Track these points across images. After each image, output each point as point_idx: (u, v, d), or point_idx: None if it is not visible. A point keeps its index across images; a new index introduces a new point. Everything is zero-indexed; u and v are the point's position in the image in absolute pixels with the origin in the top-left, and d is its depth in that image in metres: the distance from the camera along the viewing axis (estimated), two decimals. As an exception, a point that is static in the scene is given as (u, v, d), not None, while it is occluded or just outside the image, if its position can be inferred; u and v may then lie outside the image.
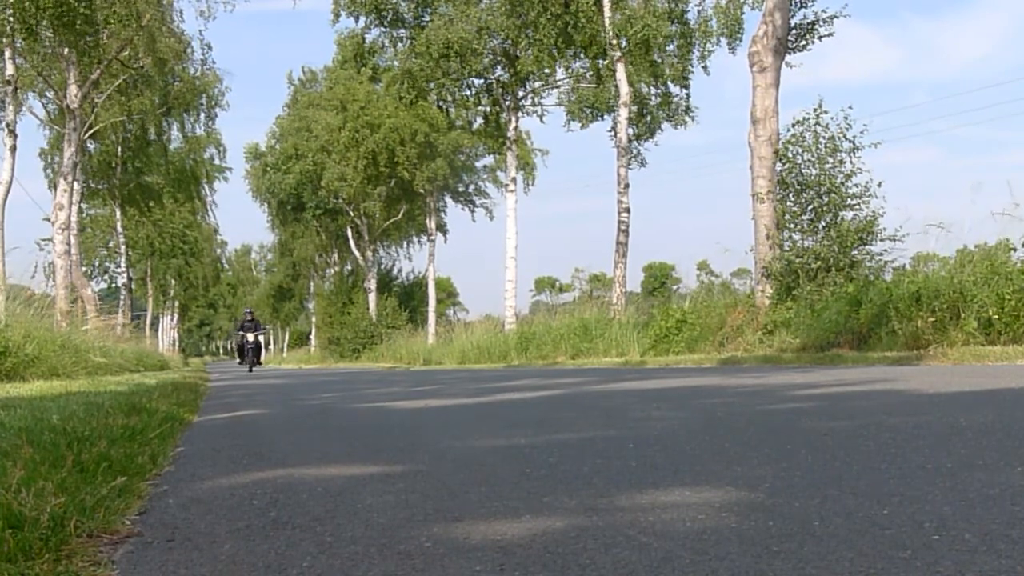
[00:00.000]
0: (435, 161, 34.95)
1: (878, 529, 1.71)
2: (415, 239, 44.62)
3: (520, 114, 26.09)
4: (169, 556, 1.76)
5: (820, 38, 15.39)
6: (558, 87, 26.56)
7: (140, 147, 31.32)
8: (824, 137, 13.63)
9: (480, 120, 27.60)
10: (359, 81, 34.31)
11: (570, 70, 25.52)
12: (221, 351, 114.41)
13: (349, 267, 45.78)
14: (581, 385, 7.94)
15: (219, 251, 60.33)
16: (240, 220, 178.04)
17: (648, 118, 24.66)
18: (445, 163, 35.40)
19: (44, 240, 21.05)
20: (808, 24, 15.31)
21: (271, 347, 61.03)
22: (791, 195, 13.92)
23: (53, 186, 26.99)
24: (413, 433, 4.19)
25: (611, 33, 21.26)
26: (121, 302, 32.56)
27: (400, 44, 26.43)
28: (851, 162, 13.55)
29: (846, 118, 13.58)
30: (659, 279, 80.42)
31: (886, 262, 13.40)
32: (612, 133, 22.44)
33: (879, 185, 13.45)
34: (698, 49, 22.76)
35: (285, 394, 8.86)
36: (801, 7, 15.21)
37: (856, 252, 13.29)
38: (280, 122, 42.18)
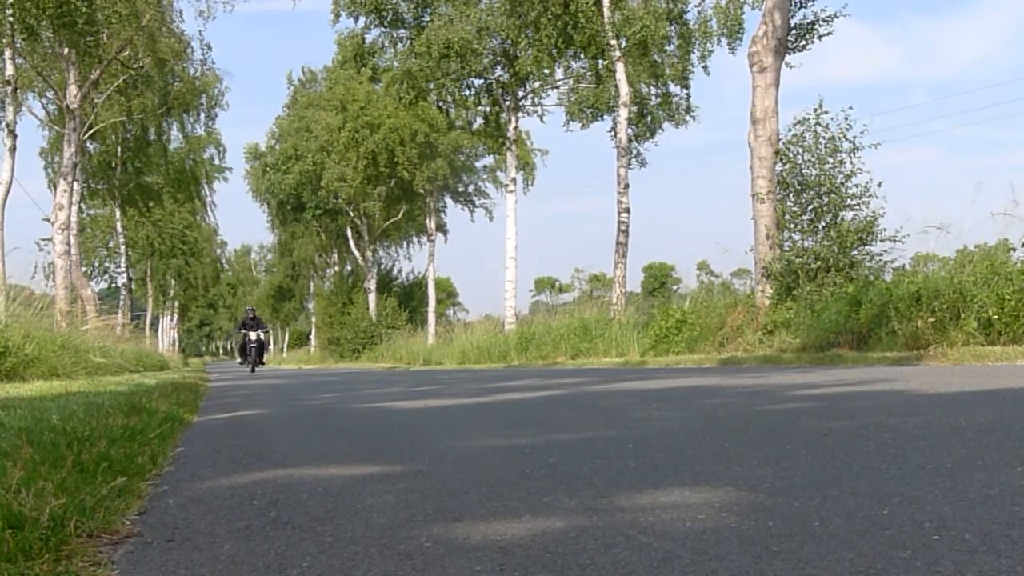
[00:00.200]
0: (435, 161, 34.95)
1: (878, 529, 1.71)
2: (415, 239, 44.65)
3: (520, 114, 26.09)
4: (169, 556, 1.76)
5: (820, 38, 15.40)
6: (558, 87, 26.57)
7: (140, 147, 31.32)
8: (824, 137, 13.64)
9: (480, 120, 27.61)
10: (359, 81, 34.31)
11: (570, 70, 25.52)
12: (221, 351, 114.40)
13: (349, 267, 45.78)
14: (581, 385, 7.94)
15: (219, 251, 60.40)
16: (240, 220, 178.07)
17: (648, 118, 24.66)
18: (445, 163, 35.40)
19: (44, 240, 21.07)
20: (808, 24, 15.31)
21: (271, 347, 60.89)
22: (791, 195, 13.92)
23: (53, 186, 26.99)
24: (413, 433, 4.19)
25: (611, 33, 21.27)
26: (121, 302, 32.57)
27: (400, 44, 26.43)
28: (851, 162, 13.57)
29: (846, 118, 13.60)
30: (659, 279, 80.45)
31: (886, 262, 13.41)
32: (612, 133, 22.46)
33: (879, 185, 13.47)
34: (698, 49, 22.77)
35: (285, 394, 8.86)
36: (801, 7, 15.22)
37: (856, 252, 13.29)
38: (280, 122, 42.19)
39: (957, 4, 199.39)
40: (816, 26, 15.32)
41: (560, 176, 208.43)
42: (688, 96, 24.31)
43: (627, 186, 21.11)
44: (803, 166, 13.78)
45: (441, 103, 27.17)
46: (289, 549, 1.78)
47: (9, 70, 17.25)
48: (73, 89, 20.67)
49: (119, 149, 31.20)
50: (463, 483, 2.49)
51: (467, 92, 25.87)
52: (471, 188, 39.85)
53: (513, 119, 25.51)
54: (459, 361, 22.69)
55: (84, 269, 31.72)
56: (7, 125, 17.35)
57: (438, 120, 31.67)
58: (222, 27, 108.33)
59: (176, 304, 59.32)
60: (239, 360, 27.42)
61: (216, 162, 38.31)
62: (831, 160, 13.59)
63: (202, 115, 30.69)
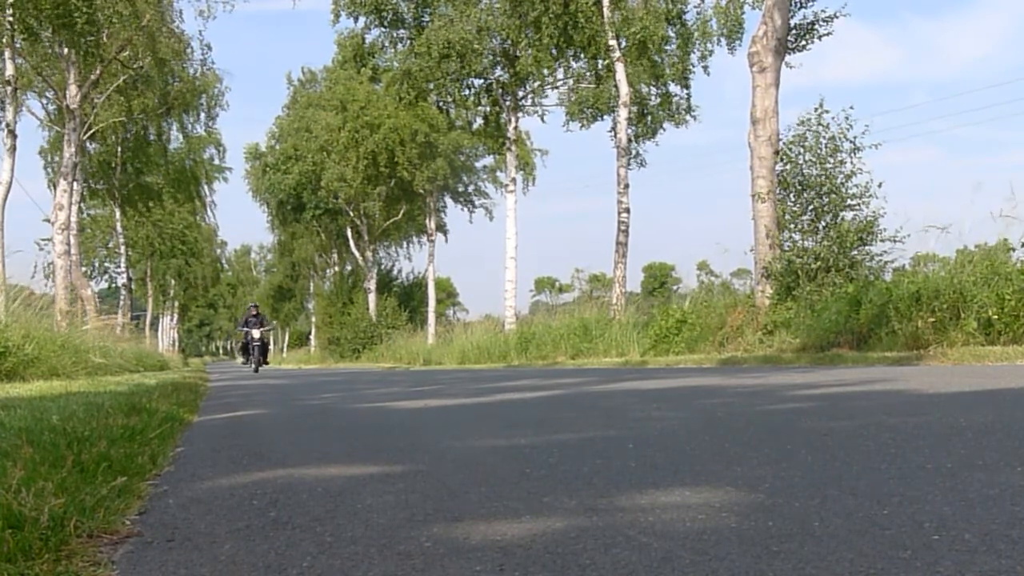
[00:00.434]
0: (435, 161, 34.95)
1: (878, 529, 1.71)
2: (415, 239, 44.65)
3: (520, 114, 26.09)
4: (169, 556, 1.76)
5: (820, 38, 15.41)
6: (558, 87, 26.57)
7: (140, 147, 31.31)
8: (825, 137, 13.63)
9: (480, 120, 27.60)
10: (359, 81, 34.30)
11: (570, 70, 25.52)
12: (221, 351, 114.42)
13: (349, 267, 45.78)
14: (581, 385, 7.94)
15: (219, 251, 60.41)
16: (240, 220, 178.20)
17: (648, 118, 24.65)
18: (445, 163, 35.40)
19: (44, 240, 21.06)
20: (808, 24, 15.32)
21: (270, 347, 60.81)
22: (791, 195, 13.92)
23: (53, 186, 26.98)
24: (413, 433, 4.19)
25: (610, 33, 21.27)
26: (121, 302, 32.58)
27: (400, 44, 26.41)
28: (851, 162, 13.56)
29: (847, 118, 13.60)
30: (659, 279, 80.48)
31: (886, 262, 13.41)
32: (612, 133, 22.46)
33: (879, 186, 13.47)
34: (698, 49, 22.77)
35: (285, 394, 8.86)
36: (801, 7, 15.23)
37: (856, 252, 13.29)
38: (280, 122, 42.18)
39: (957, 4, 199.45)
40: (816, 26, 15.33)
41: (560, 176, 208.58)
42: (688, 96, 24.34)
43: (627, 186, 21.11)
44: (803, 166, 13.78)
45: (441, 103, 27.16)
46: (289, 549, 1.78)
47: (9, 70, 17.25)
48: (73, 89, 20.67)
49: (119, 149, 31.18)
50: (463, 483, 2.49)
51: (467, 92, 25.86)
52: (471, 188, 39.89)
53: (513, 119, 25.50)
54: (459, 361, 22.69)
55: (84, 269, 31.72)
56: (7, 125, 17.35)
57: (438, 120, 31.66)
58: (222, 27, 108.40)
59: (176, 304, 59.33)
60: (241, 360, 26.13)
61: (216, 162, 38.32)
62: (831, 160, 13.59)
63: (202, 115, 30.70)
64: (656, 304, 19.28)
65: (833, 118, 13.66)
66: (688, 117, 24.50)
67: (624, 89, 21.41)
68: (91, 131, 25.50)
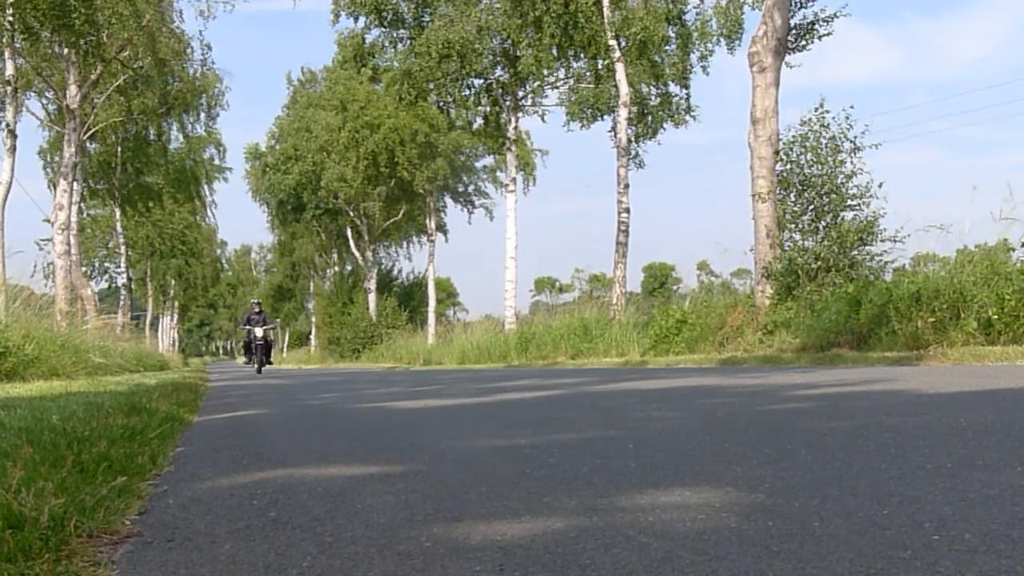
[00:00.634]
0: (435, 161, 34.95)
1: (878, 529, 1.71)
2: (415, 239, 44.66)
3: (520, 114, 26.09)
4: (169, 556, 1.76)
5: (820, 38, 15.41)
6: (558, 87, 26.57)
7: (140, 147, 31.32)
8: (825, 137, 13.63)
9: (480, 120, 27.60)
10: (359, 81, 34.30)
11: (570, 70, 25.51)
12: (221, 351, 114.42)
13: (349, 267, 45.79)
14: (581, 385, 7.94)
15: (219, 251, 60.42)
16: (240, 220, 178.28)
17: (649, 118, 24.65)
18: (445, 163, 35.40)
19: (44, 240, 21.07)
20: (808, 24, 15.32)
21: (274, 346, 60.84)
22: (792, 195, 13.92)
23: (53, 186, 26.98)
24: (413, 433, 4.19)
25: (610, 33, 21.27)
26: (121, 302, 32.59)
27: (400, 44, 26.41)
28: (852, 162, 13.56)
29: (847, 118, 13.60)
30: (659, 279, 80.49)
31: (886, 262, 13.41)
32: (612, 133, 22.46)
33: (880, 186, 13.46)
34: (698, 50, 22.78)
35: (285, 394, 8.86)
36: (801, 7, 15.23)
37: (856, 252, 13.29)
38: (280, 122, 42.18)
39: (957, 4, 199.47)
40: (816, 26, 15.33)
41: (560, 176, 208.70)
42: (688, 96, 24.34)
43: (627, 186, 21.11)
44: (804, 166, 13.78)
45: (441, 103, 27.15)
46: (289, 549, 1.78)
47: (9, 70, 17.25)
48: (73, 89, 20.67)
49: (119, 149, 31.19)
50: (463, 483, 2.49)
51: (467, 92, 25.86)
52: (471, 188, 39.89)
53: (513, 119, 25.50)
54: (459, 361, 22.69)
55: (84, 269, 31.72)
56: (7, 125, 17.36)
57: (438, 120, 31.67)
58: (222, 27, 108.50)
59: (176, 304, 59.33)
60: (243, 359, 24.94)
61: (216, 162, 38.32)
62: (832, 160, 13.59)
63: (202, 115, 30.71)
64: (656, 304, 19.28)
65: (833, 118, 13.68)
66: (688, 117, 24.52)
67: (624, 89, 21.41)
68: (91, 131, 25.50)
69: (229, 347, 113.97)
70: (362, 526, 1.95)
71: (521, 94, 25.96)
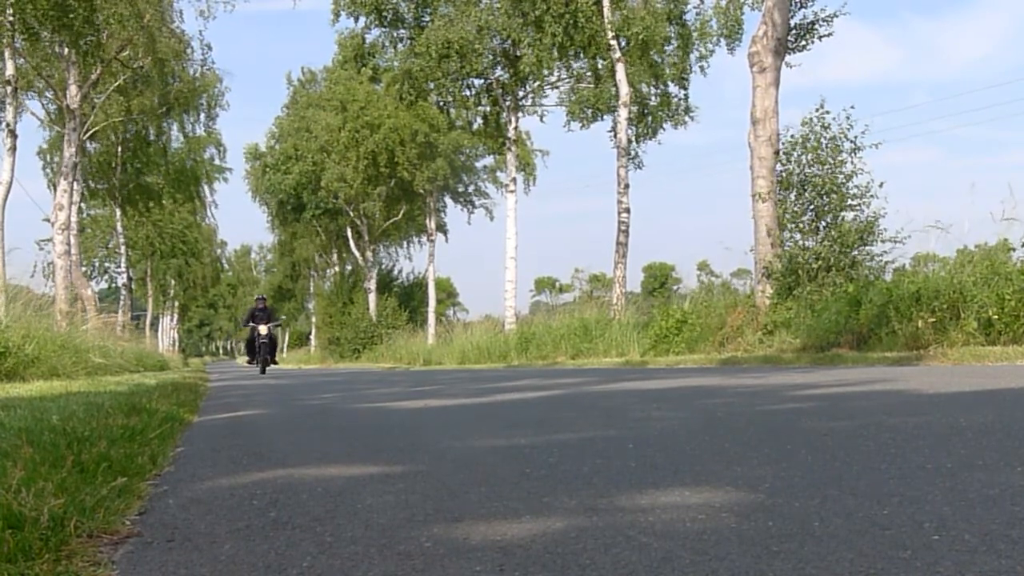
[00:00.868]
0: (435, 161, 34.95)
1: (878, 529, 1.71)
2: (415, 239, 44.65)
3: (520, 114, 26.08)
4: (169, 556, 1.76)
5: (820, 38, 15.41)
6: (558, 87, 26.57)
7: (140, 147, 31.32)
8: (826, 137, 13.63)
9: (480, 120, 27.60)
10: (359, 81, 34.31)
11: (570, 70, 25.51)
12: (221, 351, 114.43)
13: (349, 267, 45.79)
14: (581, 385, 7.94)
15: (219, 251, 60.41)
16: (240, 220, 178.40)
17: (649, 118, 24.65)
18: (445, 163, 35.40)
19: (44, 240, 21.09)
20: (808, 24, 15.32)
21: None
22: (792, 195, 13.92)
23: (53, 186, 27.00)
24: (413, 433, 4.19)
25: (611, 33, 21.27)
26: (121, 302, 32.58)
27: (400, 44, 26.42)
28: (852, 162, 13.57)
29: (848, 118, 13.60)
30: (659, 279, 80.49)
31: (886, 262, 13.41)
32: (612, 133, 22.46)
33: (880, 186, 13.46)
34: (697, 50, 22.78)
35: (285, 394, 8.86)
36: (801, 7, 15.22)
37: (856, 252, 13.29)
38: (280, 122, 42.18)
39: (957, 4, 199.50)
40: (816, 26, 15.33)
41: (560, 176, 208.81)
42: (686, 96, 24.34)
43: (627, 186, 21.12)
44: (804, 165, 13.78)
45: (441, 103, 27.15)
46: (289, 549, 1.78)
47: (9, 70, 17.25)
48: (73, 89, 20.67)
49: (119, 149, 31.20)
50: (463, 483, 2.49)
51: (467, 92, 25.86)
52: (471, 188, 39.89)
53: (513, 119, 25.50)
54: (459, 361, 22.69)
55: (84, 269, 31.73)
56: (7, 125, 17.36)
57: (438, 120, 31.66)
58: (222, 27, 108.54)
59: (176, 304, 59.35)
60: (246, 359, 23.18)
61: (216, 162, 38.33)
62: (832, 160, 13.59)
63: (202, 115, 30.73)
64: (656, 304, 19.26)
65: (834, 118, 13.68)
66: (686, 118, 24.51)
67: (624, 89, 21.42)
68: (91, 131, 25.50)
69: (229, 347, 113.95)
70: (362, 526, 1.95)
71: (521, 94, 25.96)
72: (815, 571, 1.45)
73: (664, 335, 15.59)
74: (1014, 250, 10.86)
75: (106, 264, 45.16)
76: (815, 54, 63.64)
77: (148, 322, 47.14)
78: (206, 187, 37.95)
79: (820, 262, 13.17)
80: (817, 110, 13.69)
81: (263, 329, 20.56)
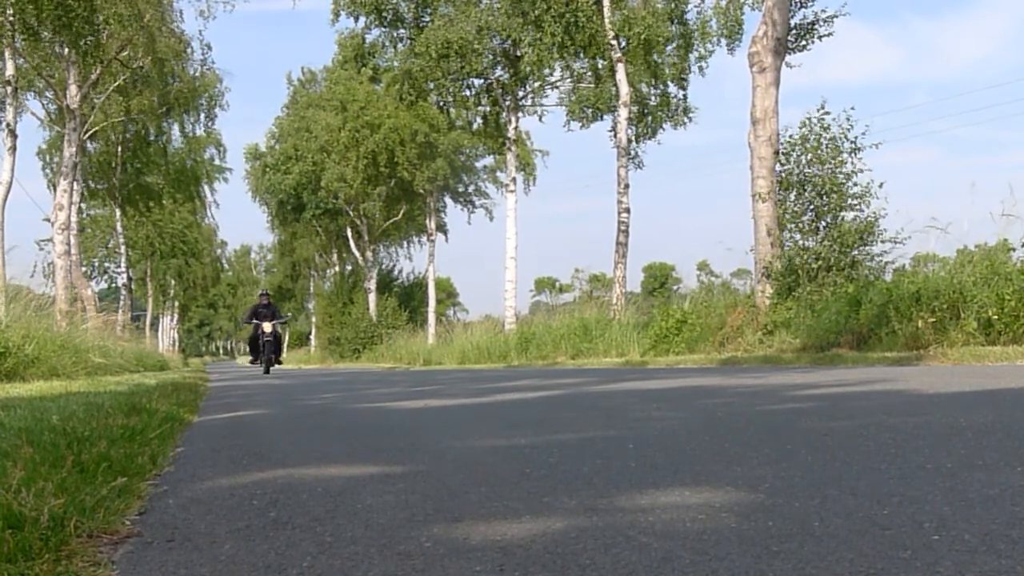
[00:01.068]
0: (435, 161, 34.95)
1: (878, 529, 1.71)
2: (415, 239, 44.66)
3: (520, 114, 26.08)
4: (169, 556, 1.76)
5: (820, 38, 15.41)
6: (558, 87, 26.57)
7: (140, 147, 31.33)
8: (826, 138, 13.63)
9: (480, 120, 27.60)
10: (359, 81, 34.31)
11: (570, 70, 25.51)
12: (221, 351, 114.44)
13: (349, 267, 45.79)
14: (581, 385, 7.94)
15: (219, 251, 60.41)
16: (240, 220, 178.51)
17: (649, 118, 24.64)
18: (445, 163, 35.41)
19: (44, 240, 21.09)
20: (808, 24, 15.32)
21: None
22: (792, 195, 13.92)
23: (53, 186, 27.00)
24: (413, 433, 4.19)
25: (611, 33, 21.27)
26: (121, 302, 32.57)
27: (400, 44, 26.42)
28: (852, 162, 13.56)
29: (848, 119, 13.60)
30: (659, 279, 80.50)
31: (886, 262, 13.41)
32: (612, 133, 22.46)
33: (880, 186, 13.46)
34: (697, 50, 22.77)
35: (285, 394, 8.86)
36: (801, 7, 15.23)
37: (856, 252, 13.29)
38: (280, 122, 42.18)
39: (957, 4, 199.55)
40: (816, 26, 15.34)
41: (560, 176, 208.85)
42: (685, 97, 24.33)
43: (627, 186, 21.12)
44: (804, 166, 13.77)
45: (441, 103, 27.15)
46: (289, 549, 1.78)
47: (9, 70, 17.25)
48: (73, 89, 20.67)
49: (119, 149, 31.20)
50: (463, 483, 2.49)
51: (467, 92, 25.86)
52: (471, 188, 39.90)
53: (513, 119, 25.50)
54: (459, 361, 22.68)
55: (84, 269, 31.73)
56: (7, 125, 17.37)
57: (438, 120, 31.66)
58: (222, 27, 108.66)
59: (176, 304, 59.35)
60: (249, 358, 22.20)
61: (216, 162, 38.33)
62: (832, 160, 13.58)
63: (202, 115, 30.71)
64: (656, 304, 19.26)
65: (834, 119, 13.68)
66: (685, 119, 24.48)
67: (624, 89, 21.41)
68: (91, 131, 25.50)
69: (229, 347, 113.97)
70: (362, 526, 1.95)
71: (521, 94, 25.96)
72: (815, 571, 1.45)
73: (664, 335, 15.59)
74: (1014, 250, 10.87)
75: (106, 264, 45.20)
76: (815, 54, 63.71)
77: (148, 322, 47.18)
78: (206, 187, 37.98)
79: (820, 262, 13.17)
80: (818, 110, 13.69)
81: (267, 327, 19.60)
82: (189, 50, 24.72)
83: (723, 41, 21.85)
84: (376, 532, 1.89)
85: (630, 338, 16.65)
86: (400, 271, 46.06)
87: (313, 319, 50.42)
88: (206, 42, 33.33)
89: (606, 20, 21.36)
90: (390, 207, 38.85)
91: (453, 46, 22.93)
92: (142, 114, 27.90)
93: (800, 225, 13.80)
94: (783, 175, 14.06)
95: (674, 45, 23.03)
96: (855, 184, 13.48)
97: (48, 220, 21.96)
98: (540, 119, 30.60)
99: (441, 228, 40.11)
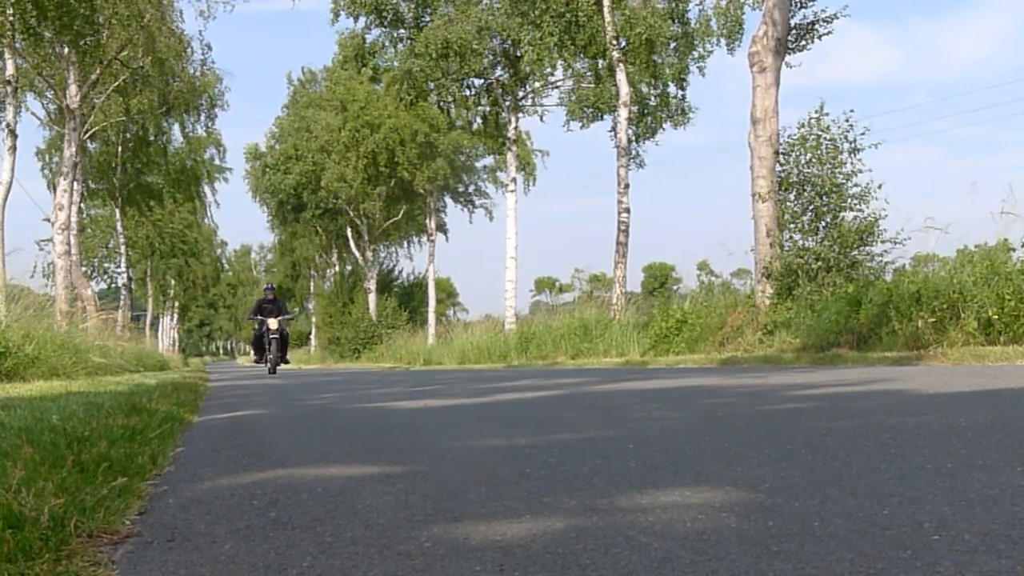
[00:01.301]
0: (435, 161, 34.96)
1: (878, 529, 1.71)
2: (415, 239, 44.66)
3: (520, 114, 26.08)
4: (169, 556, 1.76)
5: (820, 38, 15.41)
6: (558, 87, 26.57)
7: (140, 147, 31.33)
8: (825, 138, 13.63)
9: (480, 120, 27.60)
10: (359, 81, 34.31)
11: (570, 70, 25.51)
12: (221, 351, 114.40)
13: (349, 267, 45.80)
14: (581, 385, 7.94)
15: (219, 251, 60.44)
16: (240, 220, 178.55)
17: (648, 118, 24.64)
18: (445, 163, 35.41)
19: (44, 240, 21.08)
20: (808, 24, 15.32)
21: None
22: (792, 195, 13.92)
23: (53, 186, 27.01)
24: (413, 433, 4.19)
25: (611, 33, 21.26)
26: (121, 302, 32.57)
27: (400, 44, 26.42)
28: (851, 163, 13.56)
29: (847, 120, 13.60)
30: (659, 279, 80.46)
31: (886, 262, 13.41)
32: (612, 133, 22.46)
33: (879, 187, 13.46)
34: (697, 50, 22.77)
35: (285, 394, 8.85)
36: (801, 7, 15.22)
37: (856, 252, 13.29)
38: (280, 122, 42.18)
39: (958, 4, 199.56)
40: (816, 26, 15.33)
41: (560, 176, 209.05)
42: (684, 97, 24.33)
43: (627, 186, 21.11)
44: (804, 166, 13.77)
45: (441, 103, 27.16)
46: (289, 549, 1.78)
47: (9, 70, 17.25)
48: (73, 89, 20.66)
49: (119, 149, 31.21)
50: (463, 483, 2.49)
51: (467, 92, 25.86)
52: (471, 188, 39.91)
53: (513, 119, 25.50)
54: (459, 361, 22.68)
55: (84, 269, 31.72)
56: (7, 125, 17.37)
57: (438, 120, 31.67)
58: (222, 27, 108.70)
59: (176, 304, 59.37)
60: (253, 357, 20.53)
61: (216, 162, 38.34)
62: (832, 161, 13.58)
63: (202, 115, 30.71)
64: (656, 304, 19.25)
65: (833, 120, 13.68)
66: (684, 119, 24.46)
67: (624, 89, 21.41)
68: (91, 131, 25.49)
69: (229, 347, 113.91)
70: (362, 526, 1.95)
71: (521, 94, 25.96)
72: (815, 571, 1.45)
73: (664, 335, 15.59)
74: (1014, 250, 10.86)
75: (106, 264, 45.17)
76: (815, 54, 63.73)
77: (148, 322, 47.17)
78: (206, 187, 37.98)
79: (820, 262, 13.17)
80: (816, 111, 13.69)
81: (273, 323, 18.33)
82: (189, 50, 24.72)
83: (723, 41, 21.87)
84: (376, 532, 1.89)
85: (630, 338, 16.65)
86: (400, 271, 46.14)
87: (313, 319, 50.42)
88: (206, 42, 33.34)
89: (605, 20, 21.36)
90: (390, 207, 38.85)
91: (453, 46, 22.93)
92: (142, 114, 27.88)
93: (800, 225, 13.80)
94: (783, 175, 14.06)
95: (674, 45, 23.03)
96: (855, 185, 13.50)
97: (48, 220, 21.98)
98: (542, 119, 30.66)
99: (441, 228, 40.14)
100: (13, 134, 17.25)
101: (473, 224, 71.46)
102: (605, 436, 3.52)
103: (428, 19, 25.05)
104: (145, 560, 1.74)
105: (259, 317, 18.71)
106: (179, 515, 2.17)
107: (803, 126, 13.78)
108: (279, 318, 18.59)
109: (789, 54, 15.00)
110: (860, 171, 13.51)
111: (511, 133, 25.56)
